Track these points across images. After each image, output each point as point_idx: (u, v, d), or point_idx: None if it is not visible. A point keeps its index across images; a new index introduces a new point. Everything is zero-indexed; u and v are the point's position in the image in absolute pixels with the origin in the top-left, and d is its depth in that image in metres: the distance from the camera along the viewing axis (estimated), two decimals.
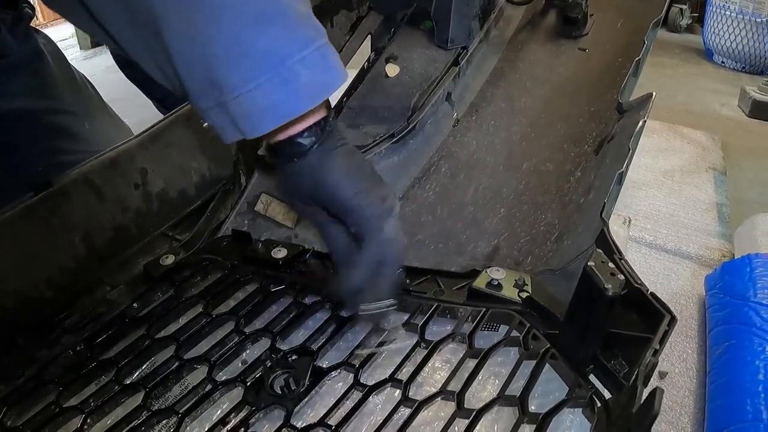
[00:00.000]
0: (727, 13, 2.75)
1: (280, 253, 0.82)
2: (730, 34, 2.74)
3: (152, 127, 0.93)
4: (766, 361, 0.84)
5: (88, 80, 1.22)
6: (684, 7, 3.47)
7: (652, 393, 0.54)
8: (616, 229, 1.09)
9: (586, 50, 1.10)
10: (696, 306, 1.09)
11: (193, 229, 0.92)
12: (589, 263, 0.61)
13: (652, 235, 1.27)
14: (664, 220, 1.37)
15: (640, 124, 0.86)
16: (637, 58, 0.97)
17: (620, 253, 0.72)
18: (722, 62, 2.86)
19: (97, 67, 3.44)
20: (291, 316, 0.75)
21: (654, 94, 0.93)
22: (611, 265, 0.61)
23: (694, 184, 1.59)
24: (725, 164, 1.73)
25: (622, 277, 0.60)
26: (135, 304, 0.80)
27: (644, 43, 1.00)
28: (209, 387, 0.67)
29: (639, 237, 1.26)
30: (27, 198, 0.78)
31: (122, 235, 0.88)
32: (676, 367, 0.95)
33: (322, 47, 0.56)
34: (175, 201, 0.94)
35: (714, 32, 2.80)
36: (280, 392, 0.66)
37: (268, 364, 0.68)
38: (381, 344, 0.70)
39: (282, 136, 0.60)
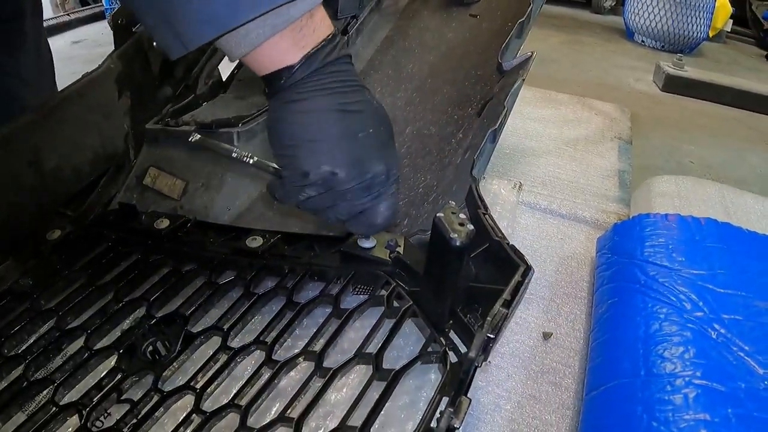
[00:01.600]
0: None
1: (162, 224, 0.84)
2: (649, 14, 2.81)
3: (45, 104, 0.93)
4: (648, 317, 0.83)
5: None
6: None
7: (476, 340, 0.57)
8: (505, 193, 1.09)
9: (477, 16, 1.11)
10: (588, 268, 1.08)
11: (85, 204, 0.92)
12: (438, 215, 0.63)
13: (547, 200, 1.24)
14: (562, 186, 1.34)
15: (518, 83, 0.88)
16: (521, 20, 0.99)
17: (485, 207, 0.74)
18: (642, 41, 2.92)
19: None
20: (168, 284, 0.77)
21: (534, 53, 0.94)
22: (462, 216, 0.63)
23: (597, 152, 1.55)
24: (633, 134, 1.71)
25: (470, 227, 0.61)
26: (21, 280, 0.81)
27: (530, 5, 1.02)
28: (86, 355, 0.69)
29: (533, 202, 1.23)
30: None
31: (16, 212, 0.89)
32: (563, 328, 0.94)
33: None
34: (69, 177, 0.94)
35: (634, 12, 2.87)
36: (150, 358, 0.68)
37: (140, 331, 0.70)
38: (251, 306, 0.73)
39: (261, 69, 0.61)
